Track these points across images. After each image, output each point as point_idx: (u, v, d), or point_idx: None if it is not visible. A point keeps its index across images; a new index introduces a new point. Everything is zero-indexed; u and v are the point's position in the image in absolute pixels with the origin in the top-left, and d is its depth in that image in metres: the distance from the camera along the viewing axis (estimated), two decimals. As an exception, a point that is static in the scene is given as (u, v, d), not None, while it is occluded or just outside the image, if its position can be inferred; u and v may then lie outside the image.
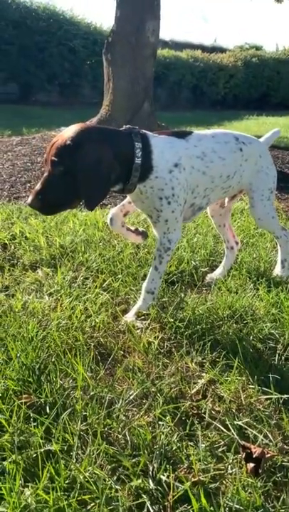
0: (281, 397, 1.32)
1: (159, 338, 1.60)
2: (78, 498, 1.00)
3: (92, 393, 1.31)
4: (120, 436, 1.18)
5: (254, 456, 1.11)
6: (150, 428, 1.20)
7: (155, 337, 1.60)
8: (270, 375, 1.37)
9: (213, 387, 1.39)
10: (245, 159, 1.91)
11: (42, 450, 1.10)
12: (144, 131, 1.68)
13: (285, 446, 1.18)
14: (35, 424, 1.19)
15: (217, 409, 1.30)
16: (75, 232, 2.59)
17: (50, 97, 11.88)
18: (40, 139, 5.48)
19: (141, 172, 1.61)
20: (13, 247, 2.42)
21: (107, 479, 1.05)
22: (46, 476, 1.03)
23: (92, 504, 0.99)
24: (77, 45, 11.65)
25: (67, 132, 1.53)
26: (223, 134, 1.91)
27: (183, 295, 1.92)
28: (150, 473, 1.07)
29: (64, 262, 2.23)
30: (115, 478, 1.06)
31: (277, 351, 1.55)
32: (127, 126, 1.67)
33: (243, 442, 1.17)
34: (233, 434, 1.20)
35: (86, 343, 1.57)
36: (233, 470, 1.09)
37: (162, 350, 1.56)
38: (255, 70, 15.93)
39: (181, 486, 1.03)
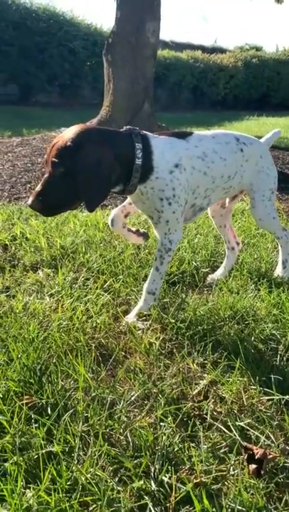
0: (283, 398, 1.31)
1: (161, 338, 1.60)
2: (80, 500, 0.99)
3: (93, 394, 1.31)
4: (122, 438, 1.17)
5: (256, 457, 1.11)
6: (152, 429, 1.20)
7: (156, 338, 1.60)
8: (272, 376, 1.37)
9: (214, 388, 1.39)
10: (245, 160, 1.91)
11: (43, 451, 1.10)
12: (144, 131, 1.68)
13: (287, 447, 1.17)
14: (36, 425, 1.19)
15: (219, 410, 1.30)
16: (75, 233, 2.59)
17: (50, 98, 11.88)
18: (41, 140, 5.49)
19: (141, 173, 1.61)
20: (13, 248, 2.42)
21: (109, 480, 1.04)
22: (48, 477, 1.03)
23: (93, 506, 0.99)
24: (78, 46, 11.66)
25: (68, 133, 1.53)
26: (223, 134, 1.91)
27: (184, 296, 1.92)
28: (152, 474, 1.07)
29: (65, 262, 2.22)
30: (117, 479, 1.06)
31: (279, 352, 1.55)
32: (128, 127, 1.67)
33: (245, 443, 1.16)
34: (234, 435, 1.19)
35: (87, 344, 1.57)
36: (235, 471, 1.09)
37: (164, 351, 1.56)
38: (255, 71, 15.94)
39: (183, 487, 1.03)
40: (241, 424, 1.23)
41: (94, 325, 1.68)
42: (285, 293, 1.90)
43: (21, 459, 1.09)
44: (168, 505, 1.00)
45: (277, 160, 5.11)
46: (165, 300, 1.87)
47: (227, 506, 0.99)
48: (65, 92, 12.31)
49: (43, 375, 1.38)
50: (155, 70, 5.70)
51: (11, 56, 10.49)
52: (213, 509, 0.98)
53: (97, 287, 1.94)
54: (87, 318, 1.73)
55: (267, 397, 1.33)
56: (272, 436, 1.19)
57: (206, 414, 1.27)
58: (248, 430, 1.22)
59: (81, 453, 1.12)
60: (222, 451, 1.15)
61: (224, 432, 1.21)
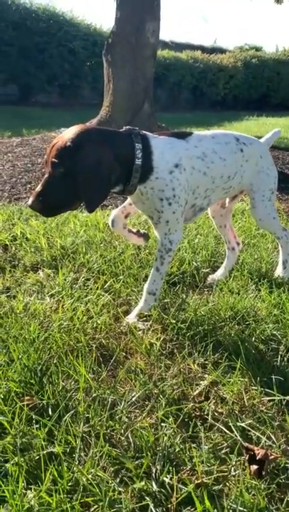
0: (284, 399, 1.31)
1: (161, 339, 1.60)
2: (81, 501, 0.99)
3: (94, 395, 1.31)
4: (123, 438, 1.17)
5: (257, 458, 1.10)
6: (153, 430, 1.20)
7: (157, 338, 1.60)
8: (273, 377, 1.37)
9: (215, 388, 1.39)
10: (245, 160, 1.91)
11: (44, 452, 1.10)
12: (144, 132, 1.68)
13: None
14: (37, 426, 1.19)
15: (220, 410, 1.30)
16: (76, 233, 2.59)
17: (50, 98, 11.88)
18: (41, 140, 5.49)
19: (141, 173, 1.61)
20: (14, 248, 2.42)
21: (110, 481, 1.04)
22: (49, 478, 1.03)
23: (95, 506, 0.99)
24: (77, 46, 11.66)
25: (68, 134, 1.53)
26: (223, 134, 1.91)
27: (184, 296, 1.92)
28: (153, 475, 1.06)
29: (65, 263, 2.22)
30: (118, 480, 1.06)
31: (280, 352, 1.55)
32: (127, 127, 1.67)
33: (246, 444, 1.16)
34: (236, 435, 1.19)
35: (88, 345, 1.57)
36: (237, 472, 1.09)
37: (164, 352, 1.56)
38: (255, 71, 15.95)
39: (184, 488, 1.02)
40: (242, 424, 1.23)
41: (94, 325, 1.68)
42: (286, 293, 1.90)
43: (22, 459, 1.08)
44: (169, 506, 1.00)
45: (277, 160, 5.11)
46: (166, 300, 1.87)
47: (228, 507, 0.99)
48: (65, 92, 12.31)
49: (44, 376, 1.38)
50: (155, 70, 5.70)
51: (10, 56, 10.49)
52: (215, 510, 0.98)
53: (97, 288, 1.93)
54: (88, 318, 1.73)
55: (268, 398, 1.33)
56: (273, 437, 1.19)
57: (207, 414, 1.27)
58: (249, 431, 1.22)
59: (82, 454, 1.12)
60: (223, 451, 1.15)
61: (225, 432, 1.21)
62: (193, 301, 1.83)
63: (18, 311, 1.74)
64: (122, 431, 1.19)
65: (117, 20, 5.16)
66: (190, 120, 9.67)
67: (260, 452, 1.12)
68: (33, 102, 11.40)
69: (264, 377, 1.41)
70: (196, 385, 1.39)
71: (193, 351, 1.54)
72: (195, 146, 1.75)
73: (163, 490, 1.03)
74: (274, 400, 1.31)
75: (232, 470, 1.10)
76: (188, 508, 1.00)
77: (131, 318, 1.75)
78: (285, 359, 1.52)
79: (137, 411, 1.28)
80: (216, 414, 1.28)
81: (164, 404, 1.28)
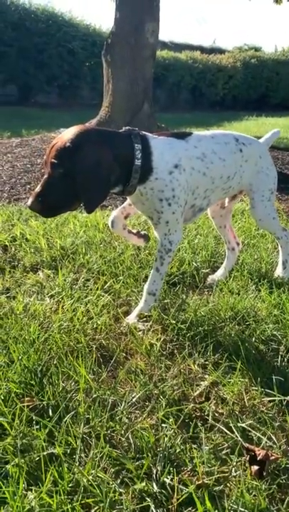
0: (284, 399, 1.31)
1: (161, 339, 1.60)
2: (82, 502, 0.99)
3: (94, 396, 1.30)
4: (123, 439, 1.17)
5: (258, 458, 1.10)
6: (153, 430, 1.20)
7: (157, 339, 1.60)
8: (273, 377, 1.37)
9: (216, 389, 1.38)
10: (245, 160, 1.91)
11: (45, 453, 1.10)
12: (143, 132, 1.67)
13: (289, 448, 1.17)
14: (37, 427, 1.19)
15: (220, 411, 1.30)
16: (75, 233, 2.59)
17: (49, 99, 11.89)
18: (40, 141, 5.48)
19: (141, 173, 1.60)
20: (13, 249, 2.42)
21: (111, 482, 1.04)
22: (49, 479, 1.02)
23: (96, 508, 0.99)
24: (76, 46, 11.67)
25: (67, 134, 1.52)
26: (222, 134, 1.91)
27: (184, 296, 1.92)
28: (154, 476, 1.06)
29: (65, 263, 2.22)
30: (119, 481, 1.06)
31: (280, 353, 1.55)
32: (127, 127, 1.67)
33: (246, 444, 1.16)
34: (236, 436, 1.19)
35: (88, 345, 1.56)
36: (237, 473, 1.09)
37: (164, 352, 1.56)
38: (254, 71, 15.96)
39: (185, 488, 1.02)
40: (243, 425, 1.23)
41: (94, 326, 1.68)
42: (286, 293, 1.90)
43: (23, 461, 1.08)
44: (170, 507, 1.00)
45: (277, 160, 5.11)
46: (166, 301, 1.87)
47: (229, 508, 0.99)
48: (64, 92, 12.32)
49: (44, 377, 1.38)
50: (154, 70, 5.70)
51: (9, 57, 10.49)
52: (216, 511, 0.98)
53: (97, 288, 1.93)
54: (88, 319, 1.72)
55: (268, 398, 1.33)
56: (274, 438, 1.19)
57: (208, 415, 1.27)
58: (249, 431, 1.22)
59: (83, 455, 1.12)
60: (224, 452, 1.15)
61: (226, 433, 1.21)
62: (193, 302, 1.83)
63: (18, 312, 1.74)
64: (123, 432, 1.19)
65: (116, 20, 5.16)
66: (189, 120, 9.68)
67: (260, 453, 1.11)
68: (33, 103, 11.41)
69: (264, 377, 1.41)
70: (197, 385, 1.39)
71: (193, 352, 1.54)
72: (194, 147, 1.75)
73: (164, 491, 1.03)
74: (274, 400, 1.31)
75: (233, 471, 1.10)
76: (189, 508, 1.00)
77: (131, 319, 1.74)
78: (286, 359, 1.52)
79: (137, 412, 1.28)
80: (217, 414, 1.28)
81: (164, 405, 1.28)
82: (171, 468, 1.07)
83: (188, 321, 1.68)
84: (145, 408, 1.29)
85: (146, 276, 1.98)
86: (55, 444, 1.13)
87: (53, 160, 1.50)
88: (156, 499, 1.02)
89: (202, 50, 16.00)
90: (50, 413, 1.24)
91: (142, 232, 1.96)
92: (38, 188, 1.54)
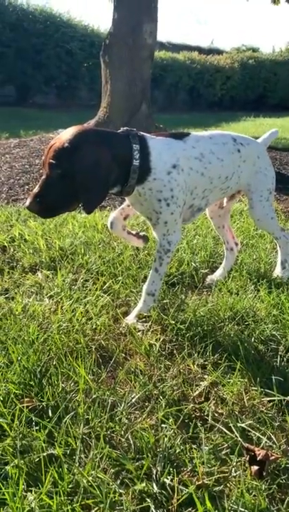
0: (284, 399, 1.31)
1: (161, 340, 1.60)
2: (82, 503, 0.99)
3: (94, 396, 1.30)
4: (123, 440, 1.17)
5: (258, 458, 1.10)
6: (153, 431, 1.19)
7: (156, 339, 1.60)
8: (273, 377, 1.37)
9: (215, 389, 1.38)
10: (243, 160, 1.91)
11: (45, 454, 1.10)
12: (141, 133, 1.67)
13: (289, 448, 1.17)
14: (37, 428, 1.19)
15: (220, 411, 1.30)
16: (74, 234, 2.59)
17: (47, 100, 11.89)
18: (38, 141, 5.48)
19: (139, 174, 1.60)
20: (12, 250, 2.41)
21: (111, 483, 1.04)
22: (49, 480, 1.02)
23: (95, 508, 0.99)
24: (75, 47, 11.67)
25: (65, 135, 1.52)
26: (220, 135, 1.91)
27: (184, 297, 1.92)
28: (154, 476, 1.06)
29: (64, 264, 2.22)
30: (119, 481, 1.06)
31: (279, 353, 1.55)
32: (125, 128, 1.67)
33: (246, 445, 1.16)
34: (236, 436, 1.19)
35: (87, 346, 1.56)
36: (237, 473, 1.09)
37: (164, 353, 1.56)
38: (251, 72, 15.99)
39: (185, 489, 1.02)
40: (243, 425, 1.23)
41: (94, 326, 1.68)
42: (285, 293, 1.90)
43: (22, 462, 1.08)
44: (170, 507, 1.00)
45: (275, 161, 5.12)
46: (165, 301, 1.87)
47: (229, 508, 0.99)
48: (62, 93, 12.32)
49: (43, 378, 1.37)
50: (152, 71, 5.70)
51: (7, 58, 10.49)
52: (216, 511, 0.98)
53: (96, 289, 1.93)
54: (87, 319, 1.72)
55: (268, 398, 1.33)
56: (273, 438, 1.19)
57: (207, 415, 1.27)
58: (249, 431, 1.22)
59: (82, 455, 1.11)
60: (224, 452, 1.15)
61: (226, 433, 1.21)
62: (192, 302, 1.83)
63: (16, 313, 1.74)
64: (122, 432, 1.19)
65: (114, 21, 5.16)
66: (187, 121, 9.68)
67: (260, 453, 1.11)
68: (31, 103, 11.40)
69: (264, 377, 1.41)
70: (196, 385, 1.39)
71: (192, 352, 1.54)
72: (192, 147, 1.75)
73: (164, 491, 1.03)
74: (274, 400, 1.31)
75: (233, 471, 1.10)
76: (189, 509, 1.00)
77: (130, 319, 1.74)
78: (285, 359, 1.52)
79: (137, 412, 1.28)
80: (216, 414, 1.28)
81: (164, 405, 1.28)
82: (171, 469, 1.07)
83: (188, 321, 1.68)
84: (145, 408, 1.29)
85: (146, 277, 1.98)
86: (54, 445, 1.12)
87: (51, 160, 1.50)
88: (156, 500, 1.02)
89: (200, 50, 16.03)
90: (50, 414, 1.23)
91: (142, 233, 1.96)
92: (36, 189, 1.54)
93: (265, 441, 1.18)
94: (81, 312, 1.73)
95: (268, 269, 2.23)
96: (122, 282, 2.02)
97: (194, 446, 1.16)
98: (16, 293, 1.94)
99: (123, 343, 1.61)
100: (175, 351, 1.57)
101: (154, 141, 1.67)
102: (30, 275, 2.12)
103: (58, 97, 12.27)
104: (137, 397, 1.32)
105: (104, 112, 5.31)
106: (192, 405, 1.30)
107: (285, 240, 2.13)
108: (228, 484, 1.07)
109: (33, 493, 1.01)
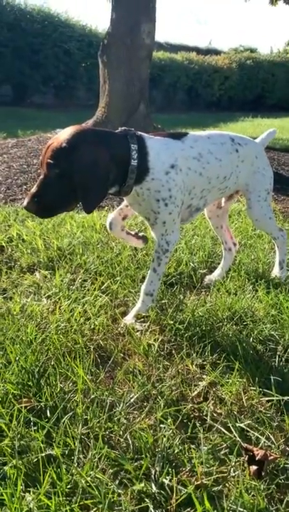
0: (283, 399, 1.31)
1: (159, 340, 1.59)
2: (80, 503, 0.99)
3: (92, 396, 1.30)
4: (122, 440, 1.17)
5: (257, 458, 1.10)
6: (152, 431, 1.19)
7: (155, 339, 1.60)
8: (271, 377, 1.37)
9: (214, 389, 1.38)
10: (241, 160, 1.91)
11: (43, 454, 1.09)
12: (139, 132, 1.67)
13: (288, 448, 1.17)
14: (35, 428, 1.18)
15: (218, 411, 1.30)
16: (72, 234, 2.58)
17: (45, 99, 11.87)
18: (36, 141, 5.47)
19: (137, 174, 1.60)
20: (10, 250, 2.41)
21: (110, 483, 1.04)
22: (48, 480, 1.02)
23: (94, 509, 0.98)
24: (72, 47, 11.66)
25: (63, 134, 1.52)
26: (218, 135, 1.91)
27: (182, 297, 1.92)
28: (152, 476, 1.06)
29: (62, 264, 2.22)
30: (117, 482, 1.05)
31: (278, 353, 1.55)
32: (123, 128, 1.67)
33: (245, 445, 1.16)
34: (235, 436, 1.19)
35: (86, 346, 1.56)
36: (236, 473, 1.09)
37: (162, 353, 1.56)
38: (249, 72, 16.02)
39: (184, 489, 1.02)
40: (241, 425, 1.23)
41: (92, 327, 1.68)
42: (283, 294, 1.90)
43: (21, 462, 1.08)
44: (169, 507, 1.00)
45: (273, 161, 5.13)
46: (163, 301, 1.87)
47: (228, 508, 0.99)
48: (60, 93, 12.30)
49: (42, 378, 1.37)
50: (150, 71, 5.69)
51: (5, 57, 10.47)
52: (215, 511, 0.98)
53: (94, 289, 1.93)
54: (85, 319, 1.72)
55: (266, 398, 1.33)
56: (272, 438, 1.19)
57: (206, 415, 1.27)
58: (248, 431, 1.22)
59: (81, 456, 1.11)
60: (222, 452, 1.15)
61: (224, 433, 1.21)
62: (190, 302, 1.83)
63: (14, 313, 1.73)
64: (121, 432, 1.19)
65: (112, 21, 5.16)
66: (185, 121, 9.69)
67: (259, 453, 1.11)
68: (28, 103, 11.38)
69: (262, 377, 1.41)
70: (195, 385, 1.39)
71: (191, 352, 1.54)
72: (191, 147, 1.75)
73: (162, 491, 1.03)
74: (272, 400, 1.31)
75: (231, 471, 1.10)
76: (188, 509, 0.99)
77: (128, 320, 1.74)
78: (283, 359, 1.53)
79: (135, 412, 1.28)
80: (215, 414, 1.28)
81: (162, 406, 1.28)
82: (170, 469, 1.07)
83: (186, 322, 1.68)
84: (143, 409, 1.28)
85: (144, 277, 1.98)
86: (53, 445, 1.12)
87: (49, 160, 1.49)
88: (155, 500, 1.02)
89: (198, 51, 16.04)
90: (48, 414, 1.23)
91: (141, 234, 1.96)
92: (33, 189, 1.54)
93: (264, 441, 1.18)
94: (79, 312, 1.73)
95: (266, 269, 2.24)
96: (121, 282, 2.02)
97: (193, 446, 1.16)
98: (13, 293, 1.93)
99: (121, 343, 1.61)
100: (173, 351, 1.56)
101: (152, 141, 1.66)
102: (28, 275, 2.12)
103: (56, 97, 12.26)
104: (135, 397, 1.31)
105: (102, 111, 5.31)
106: (191, 405, 1.30)
107: (283, 240, 2.13)
108: (226, 484, 1.07)
109: (31, 493, 1.01)
